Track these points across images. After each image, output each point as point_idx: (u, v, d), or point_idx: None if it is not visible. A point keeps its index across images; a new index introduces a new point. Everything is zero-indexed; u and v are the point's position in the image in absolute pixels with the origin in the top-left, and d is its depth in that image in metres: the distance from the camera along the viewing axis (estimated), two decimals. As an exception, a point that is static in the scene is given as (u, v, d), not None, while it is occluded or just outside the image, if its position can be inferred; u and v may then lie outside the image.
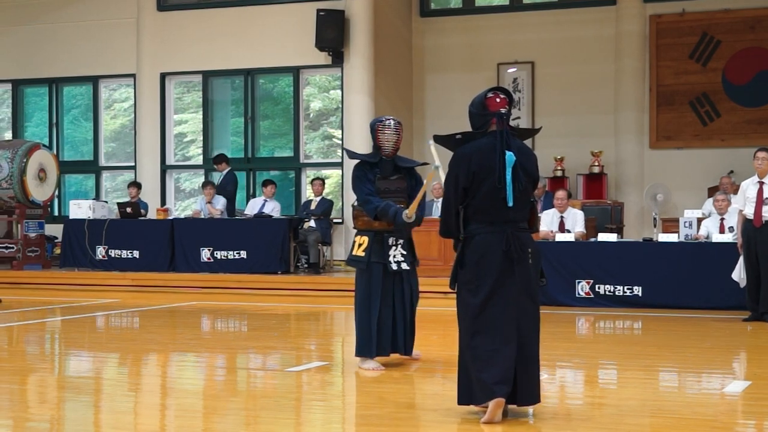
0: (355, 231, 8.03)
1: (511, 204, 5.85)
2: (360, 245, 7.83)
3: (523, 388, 5.84)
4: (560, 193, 13.68)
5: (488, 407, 5.77)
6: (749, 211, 11.27)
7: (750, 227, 11.25)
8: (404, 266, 7.82)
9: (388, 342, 7.83)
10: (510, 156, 5.86)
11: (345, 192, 17.65)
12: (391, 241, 7.76)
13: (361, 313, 7.85)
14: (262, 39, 18.27)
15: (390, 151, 7.84)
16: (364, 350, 7.85)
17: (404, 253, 7.84)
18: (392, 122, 7.84)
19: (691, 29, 17.67)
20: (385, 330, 7.80)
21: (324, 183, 16.85)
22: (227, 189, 17.17)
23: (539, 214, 14.03)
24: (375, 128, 7.87)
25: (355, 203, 8.01)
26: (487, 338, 5.81)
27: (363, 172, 7.87)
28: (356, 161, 8.06)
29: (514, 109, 18.20)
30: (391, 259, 7.76)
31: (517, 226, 5.93)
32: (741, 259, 11.45)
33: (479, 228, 5.90)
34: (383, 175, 7.84)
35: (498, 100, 6.01)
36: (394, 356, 7.98)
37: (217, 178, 17.44)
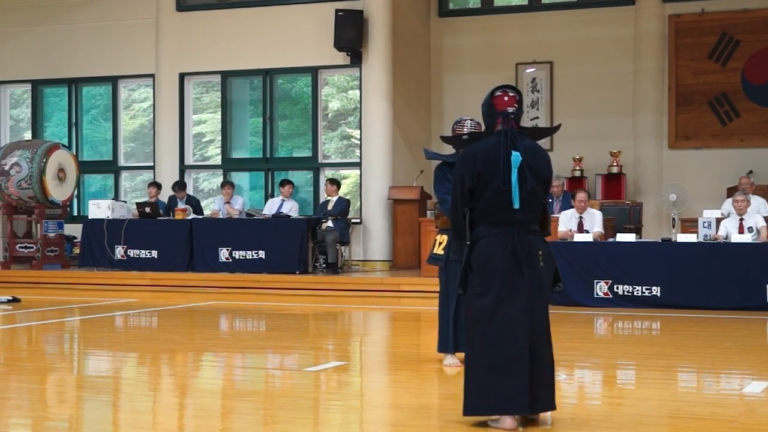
0: (436, 230, 8.16)
1: (517, 206, 5.65)
2: (440, 243, 8.00)
3: (542, 395, 5.67)
4: (581, 195, 13.63)
5: (501, 418, 5.65)
6: None
7: None
8: None
9: (462, 339, 7.89)
10: (516, 156, 5.66)
11: (363, 192, 17.66)
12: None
13: (441, 310, 8.04)
14: (281, 39, 18.30)
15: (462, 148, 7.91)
16: (442, 346, 8.04)
17: None
18: (469, 122, 7.92)
19: (711, 29, 17.60)
20: (462, 327, 7.88)
21: (338, 184, 16.80)
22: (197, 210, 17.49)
23: (557, 214, 14.01)
24: (453, 129, 7.98)
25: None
26: (500, 345, 5.61)
27: (443, 172, 7.98)
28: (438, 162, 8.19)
29: (533, 109, 18.17)
30: None
31: (526, 228, 5.73)
32: None
33: (485, 230, 5.74)
34: None
35: (506, 98, 5.82)
36: None
37: (180, 204, 17.38)
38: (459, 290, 5.92)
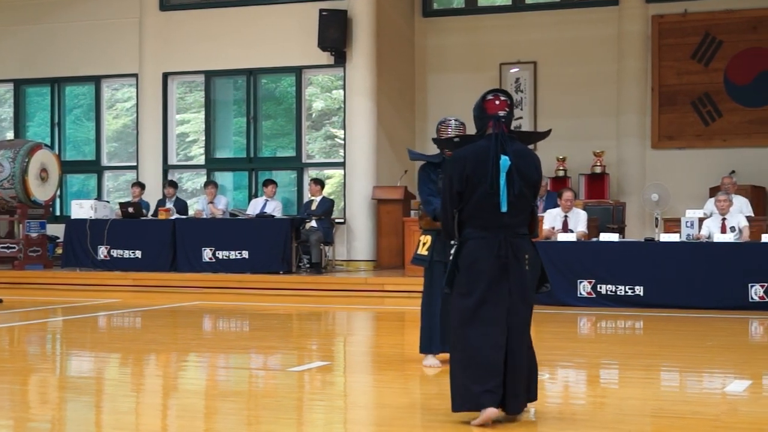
0: (420, 230, 8.10)
1: (504, 210, 5.72)
2: (424, 244, 7.95)
3: (510, 397, 5.76)
4: (568, 194, 13.68)
5: (480, 414, 5.71)
6: None
7: None
8: None
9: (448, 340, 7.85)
10: (504, 160, 5.71)
11: (347, 192, 17.66)
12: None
13: (424, 311, 7.99)
14: (265, 39, 18.28)
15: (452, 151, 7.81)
16: (424, 347, 7.98)
17: None
18: (454, 122, 7.82)
19: (694, 29, 17.66)
20: (446, 327, 7.80)
21: (322, 183, 16.79)
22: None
23: (542, 213, 14.04)
24: (438, 130, 7.90)
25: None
26: (479, 345, 5.71)
27: (426, 173, 7.94)
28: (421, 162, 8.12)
29: (516, 109, 18.18)
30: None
31: (514, 231, 5.79)
32: None
33: (473, 233, 5.81)
34: None
35: (497, 102, 5.89)
36: None
37: (168, 203, 17.34)
38: (446, 290, 6.00)
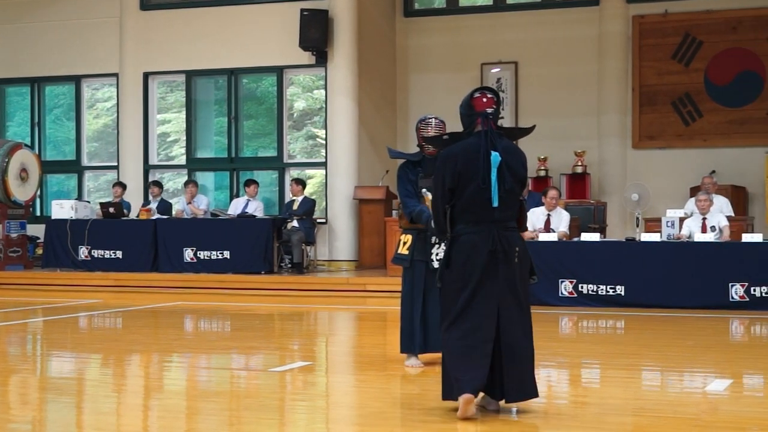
0: (401, 230, 8.06)
1: (496, 204, 5.88)
2: (404, 243, 7.90)
3: (512, 386, 5.90)
4: (553, 193, 13.74)
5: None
6: None
7: None
8: None
9: (433, 339, 7.78)
10: (495, 156, 5.87)
11: (329, 192, 17.65)
12: (434, 239, 7.72)
13: (404, 311, 7.93)
14: (246, 39, 18.24)
15: (432, 149, 7.72)
16: (406, 347, 7.94)
17: None
18: (434, 120, 7.79)
19: (674, 30, 17.74)
20: (431, 327, 7.79)
21: (303, 183, 16.76)
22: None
23: (524, 213, 14.05)
24: (418, 127, 7.86)
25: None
26: (463, 335, 5.85)
27: (405, 171, 7.90)
28: (401, 161, 8.09)
29: (497, 109, 18.20)
30: (433, 257, 7.75)
31: (504, 225, 5.94)
32: None
33: (465, 228, 5.94)
34: (426, 173, 7.77)
35: (485, 100, 6.04)
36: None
37: (153, 203, 17.28)
38: (438, 283, 6.11)
